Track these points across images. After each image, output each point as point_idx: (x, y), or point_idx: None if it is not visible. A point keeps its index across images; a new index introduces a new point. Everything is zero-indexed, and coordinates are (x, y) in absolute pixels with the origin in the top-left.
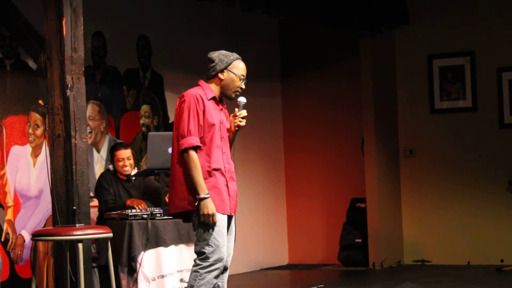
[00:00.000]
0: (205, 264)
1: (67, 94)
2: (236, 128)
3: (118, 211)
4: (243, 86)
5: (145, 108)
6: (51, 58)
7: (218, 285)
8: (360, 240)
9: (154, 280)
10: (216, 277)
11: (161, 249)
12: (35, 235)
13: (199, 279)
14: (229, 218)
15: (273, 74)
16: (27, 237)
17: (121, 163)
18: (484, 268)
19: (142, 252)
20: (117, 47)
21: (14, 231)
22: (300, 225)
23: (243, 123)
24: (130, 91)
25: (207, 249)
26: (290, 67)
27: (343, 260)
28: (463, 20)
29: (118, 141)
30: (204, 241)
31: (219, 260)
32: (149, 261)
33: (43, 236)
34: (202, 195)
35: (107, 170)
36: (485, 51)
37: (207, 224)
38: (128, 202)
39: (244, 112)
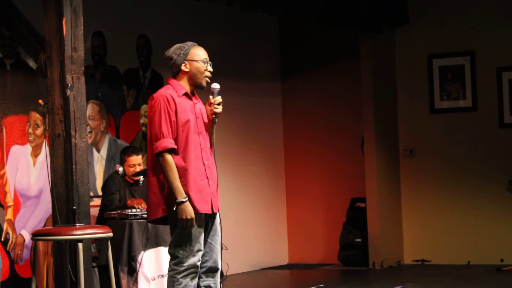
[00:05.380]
0: (180, 269)
1: (67, 93)
2: (213, 116)
3: (118, 211)
4: (211, 69)
5: (145, 107)
6: (51, 58)
7: (210, 286)
8: (360, 240)
9: (154, 279)
10: (193, 279)
11: (161, 248)
12: (35, 235)
13: (177, 285)
14: (212, 216)
15: (273, 74)
16: (27, 237)
17: (132, 169)
18: (484, 268)
19: (142, 252)
20: (117, 47)
21: (14, 230)
22: (300, 224)
23: (219, 109)
24: (130, 90)
25: (181, 254)
26: (290, 67)
27: (343, 259)
28: (463, 20)
29: (117, 139)
30: (178, 246)
31: (194, 265)
32: (149, 260)
33: (43, 235)
34: (179, 199)
35: (115, 172)
36: (485, 51)
37: (184, 228)
38: (129, 202)
39: (219, 98)
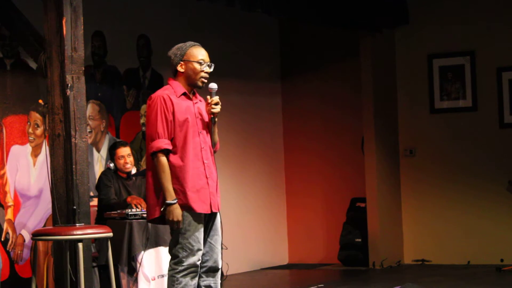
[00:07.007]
0: (180, 268)
1: (67, 93)
2: (212, 116)
3: (118, 211)
4: (208, 70)
5: (145, 107)
6: (51, 58)
7: (211, 286)
8: (360, 240)
9: (154, 279)
10: (193, 278)
11: (161, 248)
12: (35, 235)
13: (177, 284)
14: (212, 216)
15: (273, 74)
16: (27, 237)
17: (122, 161)
18: (484, 268)
19: (142, 252)
20: (117, 47)
21: (14, 230)
22: (300, 224)
23: (216, 109)
24: (130, 90)
25: (181, 253)
26: (290, 67)
27: (343, 259)
28: (463, 20)
29: (116, 139)
30: (178, 245)
31: (193, 265)
32: (149, 260)
33: (43, 235)
34: (168, 201)
35: (107, 169)
36: (485, 51)
37: (182, 228)
38: (129, 199)
39: (216, 98)
